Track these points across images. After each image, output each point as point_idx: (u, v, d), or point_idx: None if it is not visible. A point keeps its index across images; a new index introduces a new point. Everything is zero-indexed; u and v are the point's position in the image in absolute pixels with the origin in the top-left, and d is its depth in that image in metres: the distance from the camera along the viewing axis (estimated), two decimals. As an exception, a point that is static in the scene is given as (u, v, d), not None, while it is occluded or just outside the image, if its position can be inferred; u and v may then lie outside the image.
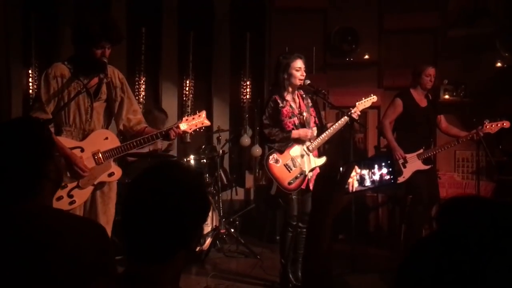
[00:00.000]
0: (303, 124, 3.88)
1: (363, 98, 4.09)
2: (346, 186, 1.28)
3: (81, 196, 3.08)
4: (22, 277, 1.39)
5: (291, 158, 3.82)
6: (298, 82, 3.84)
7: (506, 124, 4.59)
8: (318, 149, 3.98)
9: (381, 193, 5.55)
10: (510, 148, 5.57)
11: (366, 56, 6.27)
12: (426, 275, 0.82)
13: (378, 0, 6.33)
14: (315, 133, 3.94)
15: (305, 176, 3.83)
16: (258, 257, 4.79)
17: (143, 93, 6.41)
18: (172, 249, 1.21)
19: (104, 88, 3.21)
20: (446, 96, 5.97)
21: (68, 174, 2.99)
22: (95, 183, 3.13)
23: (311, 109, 3.98)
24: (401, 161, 4.64)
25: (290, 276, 3.91)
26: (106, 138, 3.18)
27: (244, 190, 6.46)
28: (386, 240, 5.34)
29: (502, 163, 5.54)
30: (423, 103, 4.81)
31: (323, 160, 3.92)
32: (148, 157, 4.58)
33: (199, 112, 3.39)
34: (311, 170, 3.86)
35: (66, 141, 3.07)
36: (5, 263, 1.40)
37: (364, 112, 4.75)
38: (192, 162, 5.05)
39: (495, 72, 5.96)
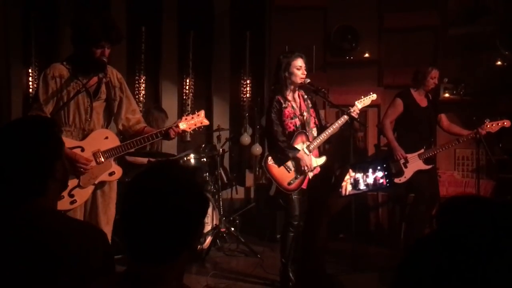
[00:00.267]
0: (304, 125, 3.88)
1: (362, 97, 4.09)
2: (340, 189, 1.28)
3: (82, 195, 3.08)
4: (22, 277, 1.39)
5: (291, 158, 3.82)
6: (299, 81, 3.84)
7: (506, 123, 4.59)
8: (318, 148, 3.98)
9: (381, 192, 5.55)
10: (510, 147, 5.56)
11: (366, 55, 6.26)
12: (426, 275, 0.82)
13: (378, -1, 6.33)
14: (315, 134, 3.94)
15: (305, 176, 3.82)
16: (259, 256, 4.79)
17: (143, 92, 6.41)
18: (176, 249, 1.21)
19: (103, 87, 3.21)
20: (446, 95, 5.96)
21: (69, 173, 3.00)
22: (96, 182, 3.13)
23: (311, 110, 3.98)
24: (402, 161, 4.64)
25: (291, 275, 3.91)
26: (106, 138, 3.18)
27: (244, 189, 6.46)
28: (386, 238, 5.34)
29: (502, 162, 5.54)
30: (423, 103, 4.81)
31: (323, 159, 3.92)
32: (148, 156, 4.59)
33: (197, 111, 3.39)
34: (311, 170, 3.86)
35: (66, 141, 3.02)
36: (6, 263, 1.40)
37: (364, 110, 4.74)
38: (192, 161, 5.05)
39: (495, 71, 5.95)
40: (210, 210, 4.78)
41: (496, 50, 5.80)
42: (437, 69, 4.76)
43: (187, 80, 6.54)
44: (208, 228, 4.77)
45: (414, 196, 4.85)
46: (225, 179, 5.35)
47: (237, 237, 5.03)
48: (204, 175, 5.13)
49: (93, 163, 3.10)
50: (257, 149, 6.02)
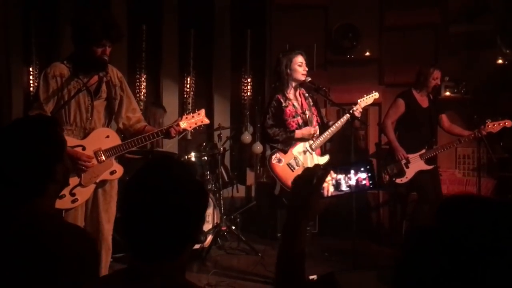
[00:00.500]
0: (306, 123, 3.87)
1: (365, 95, 4.08)
2: (322, 191, 1.29)
3: (83, 194, 3.08)
4: (21, 277, 1.39)
5: (294, 157, 3.82)
6: (301, 77, 3.84)
7: (508, 123, 4.58)
8: (320, 147, 3.98)
9: (382, 191, 5.55)
10: (511, 145, 5.56)
11: (367, 53, 6.26)
12: (426, 275, 0.82)
13: (378, -3, 6.32)
14: (317, 132, 3.93)
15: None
16: (259, 254, 4.79)
17: (144, 90, 6.42)
18: (177, 245, 1.22)
19: (104, 86, 3.21)
20: (447, 93, 5.95)
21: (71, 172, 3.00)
22: (97, 181, 3.14)
23: (313, 108, 3.98)
24: (403, 161, 4.64)
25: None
26: (107, 136, 3.18)
27: (245, 187, 6.46)
28: (387, 237, 5.34)
29: (503, 160, 5.54)
30: (424, 103, 4.81)
31: (326, 158, 3.92)
32: (149, 154, 4.59)
33: (198, 110, 3.40)
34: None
35: (67, 139, 3.05)
36: (5, 263, 1.40)
37: (365, 109, 4.73)
38: (193, 159, 5.05)
39: (496, 69, 5.95)
40: (211, 209, 4.78)
41: (496, 48, 5.81)
42: (439, 69, 4.75)
43: (188, 79, 6.54)
44: (209, 226, 4.77)
45: (418, 195, 4.84)
46: (226, 177, 5.35)
47: (238, 236, 5.03)
48: (205, 173, 5.13)
49: (95, 162, 3.10)
50: (258, 147, 6.01)
